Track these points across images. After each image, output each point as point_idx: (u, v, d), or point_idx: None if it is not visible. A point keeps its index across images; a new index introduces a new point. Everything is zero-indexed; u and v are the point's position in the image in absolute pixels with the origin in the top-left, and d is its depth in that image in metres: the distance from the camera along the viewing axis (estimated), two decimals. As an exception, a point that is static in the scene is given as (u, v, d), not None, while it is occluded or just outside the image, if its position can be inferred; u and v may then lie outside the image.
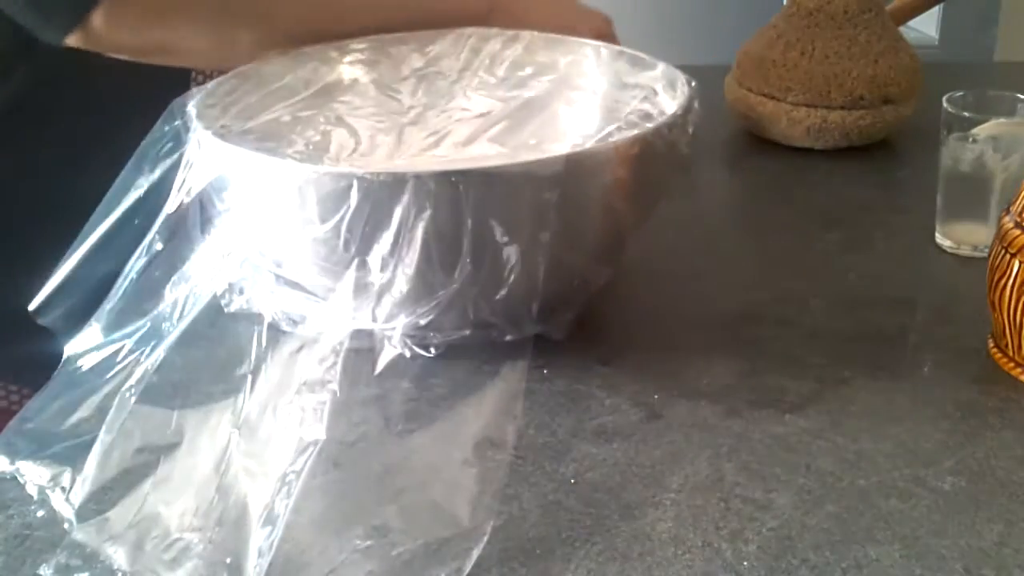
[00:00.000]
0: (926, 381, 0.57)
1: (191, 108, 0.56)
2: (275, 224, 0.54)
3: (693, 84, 0.60)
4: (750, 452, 0.51)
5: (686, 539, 0.45)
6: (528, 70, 0.69)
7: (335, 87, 0.67)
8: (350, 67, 0.68)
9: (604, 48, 0.67)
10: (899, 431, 0.52)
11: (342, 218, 0.49)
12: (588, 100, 0.66)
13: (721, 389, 0.56)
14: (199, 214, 0.52)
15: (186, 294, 0.50)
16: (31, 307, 0.53)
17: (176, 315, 0.50)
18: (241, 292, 0.53)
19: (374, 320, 0.53)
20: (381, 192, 0.48)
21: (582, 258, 0.57)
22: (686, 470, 0.50)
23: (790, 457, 0.51)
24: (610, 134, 0.59)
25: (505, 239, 0.51)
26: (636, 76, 0.65)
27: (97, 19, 0.59)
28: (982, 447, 0.51)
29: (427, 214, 0.49)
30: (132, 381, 0.48)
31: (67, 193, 0.61)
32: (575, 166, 0.51)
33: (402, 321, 0.52)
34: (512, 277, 0.51)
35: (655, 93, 0.63)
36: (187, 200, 0.52)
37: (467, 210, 0.49)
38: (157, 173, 0.53)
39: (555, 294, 0.57)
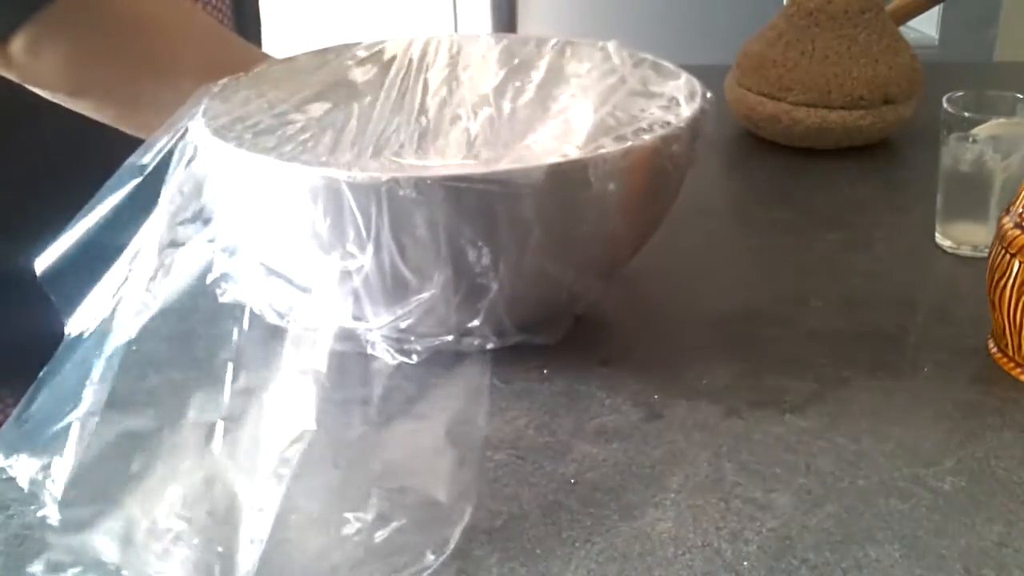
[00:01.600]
0: (926, 381, 0.57)
1: (201, 103, 0.56)
2: (258, 219, 0.54)
3: (709, 96, 0.59)
4: (750, 452, 0.51)
5: (686, 539, 0.45)
6: (555, 77, 0.67)
7: (348, 88, 0.67)
8: (361, 69, 0.68)
9: (629, 56, 0.66)
10: (899, 431, 0.52)
11: (322, 218, 0.49)
12: (609, 108, 0.65)
13: (721, 389, 0.56)
14: (193, 208, 0.52)
15: (169, 281, 0.50)
16: (37, 267, 0.50)
17: (153, 304, 0.50)
18: (229, 281, 0.53)
19: (356, 320, 0.53)
20: (357, 194, 0.48)
21: (571, 272, 0.55)
22: (686, 470, 0.50)
23: (790, 457, 0.51)
24: (603, 144, 0.57)
25: (482, 248, 0.49)
26: (661, 85, 0.63)
27: (16, 46, 0.56)
28: (982, 447, 0.51)
29: (401, 218, 0.48)
30: (113, 367, 0.48)
31: (59, 197, 0.60)
32: (557, 177, 0.49)
33: (383, 322, 0.52)
34: (493, 287, 0.51)
35: (677, 103, 0.61)
36: (180, 195, 0.52)
37: (440, 217, 0.48)
38: (156, 161, 0.53)
39: (542, 306, 0.57)
